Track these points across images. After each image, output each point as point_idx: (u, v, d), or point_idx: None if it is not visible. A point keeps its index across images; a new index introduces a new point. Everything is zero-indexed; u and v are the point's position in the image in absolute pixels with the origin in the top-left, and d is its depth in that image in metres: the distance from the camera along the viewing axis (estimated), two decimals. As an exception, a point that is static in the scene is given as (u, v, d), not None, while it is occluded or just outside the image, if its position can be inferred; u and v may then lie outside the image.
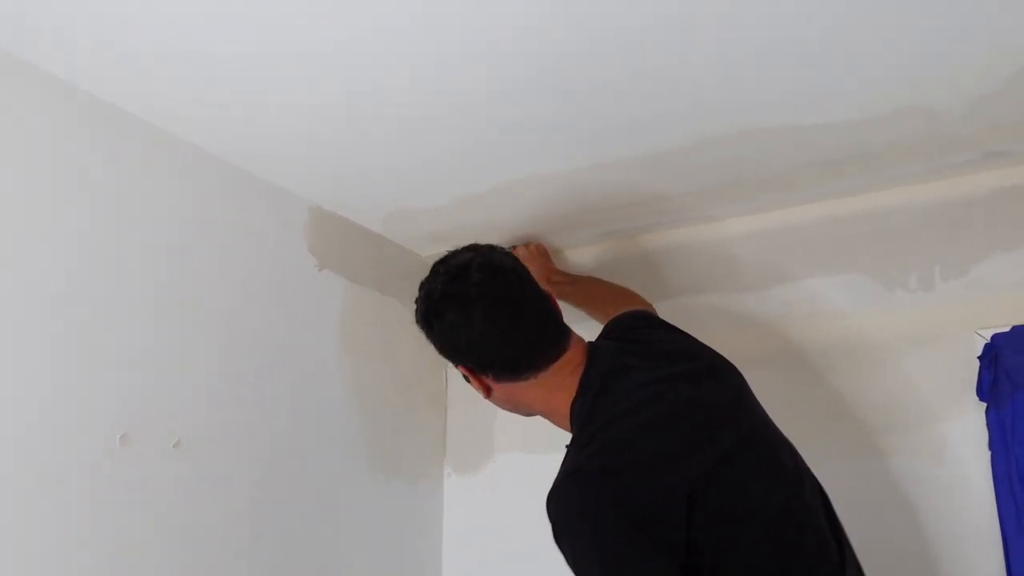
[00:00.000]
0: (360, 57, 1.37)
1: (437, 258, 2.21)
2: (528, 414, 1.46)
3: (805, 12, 1.26)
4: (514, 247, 2.09)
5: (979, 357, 1.69)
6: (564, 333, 1.40)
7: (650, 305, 1.78)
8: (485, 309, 1.33)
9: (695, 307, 2.02)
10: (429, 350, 2.21)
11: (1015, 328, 1.68)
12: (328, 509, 1.86)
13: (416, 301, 1.43)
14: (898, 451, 1.75)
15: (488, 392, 1.42)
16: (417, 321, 1.43)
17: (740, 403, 1.34)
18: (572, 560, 1.18)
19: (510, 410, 1.47)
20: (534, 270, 1.88)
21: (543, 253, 2.10)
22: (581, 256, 2.21)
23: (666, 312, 1.77)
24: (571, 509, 1.20)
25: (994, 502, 1.64)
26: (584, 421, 1.31)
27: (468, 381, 1.44)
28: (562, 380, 1.36)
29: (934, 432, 1.73)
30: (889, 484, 1.73)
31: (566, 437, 2.06)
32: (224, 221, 1.71)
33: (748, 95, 1.49)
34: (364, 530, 1.95)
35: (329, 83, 1.44)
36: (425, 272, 2.22)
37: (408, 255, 2.23)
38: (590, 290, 1.94)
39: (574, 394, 1.34)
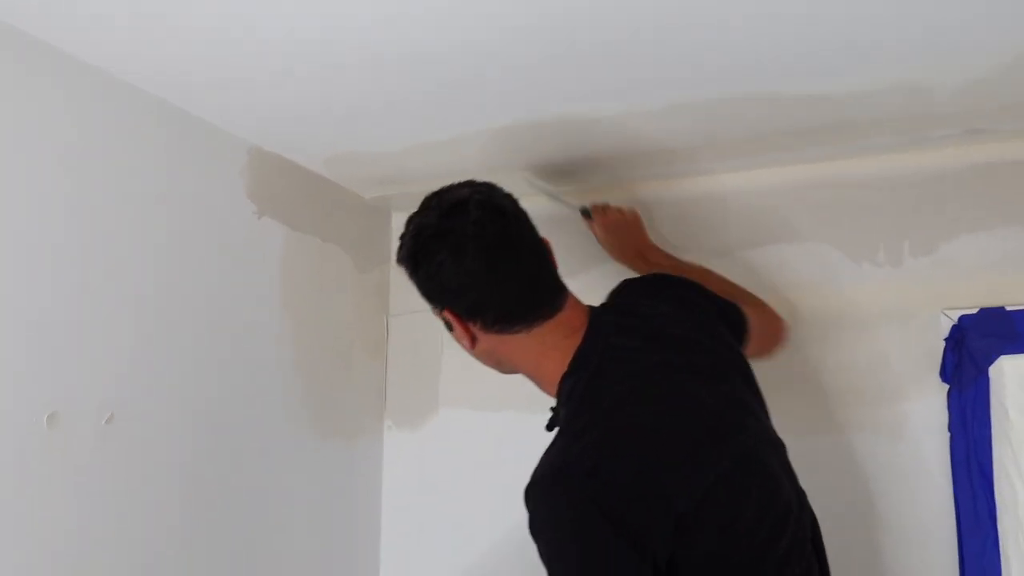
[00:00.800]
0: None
1: (381, 199, 2.13)
2: (510, 371, 1.37)
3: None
4: (605, 206, 1.85)
5: (945, 339, 1.69)
6: (561, 289, 1.32)
7: (774, 316, 1.63)
8: (481, 251, 1.24)
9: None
10: (369, 298, 2.16)
11: (982, 311, 1.68)
12: (265, 472, 1.77)
13: (401, 238, 1.33)
14: (858, 426, 1.76)
15: (473, 343, 1.32)
16: (400, 260, 1.33)
17: (743, 410, 1.27)
18: (547, 559, 1.13)
19: (492, 366, 1.38)
20: (626, 240, 1.79)
21: (638, 221, 1.85)
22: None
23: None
24: (555, 507, 1.14)
25: (951, 484, 1.66)
26: (577, 404, 1.23)
27: (450, 330, 1.33)
28: (555, 342, 1.28)
29: (895, 410, 1.74)
30: (847, 459, 1.74)
31: (522, 396, 2.04)
32: (154, 166, 1.55)
33: (742, 60, 1.41)
34: (301, 491, 1.88)
35: (270, 4, 1.27)
36: (367, 215, 2.14)
37: (350, 196, 2.10)
38: (700, 279, 1.60)
39: (566, 367, 1.26)
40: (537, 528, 1.14)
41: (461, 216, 1.25)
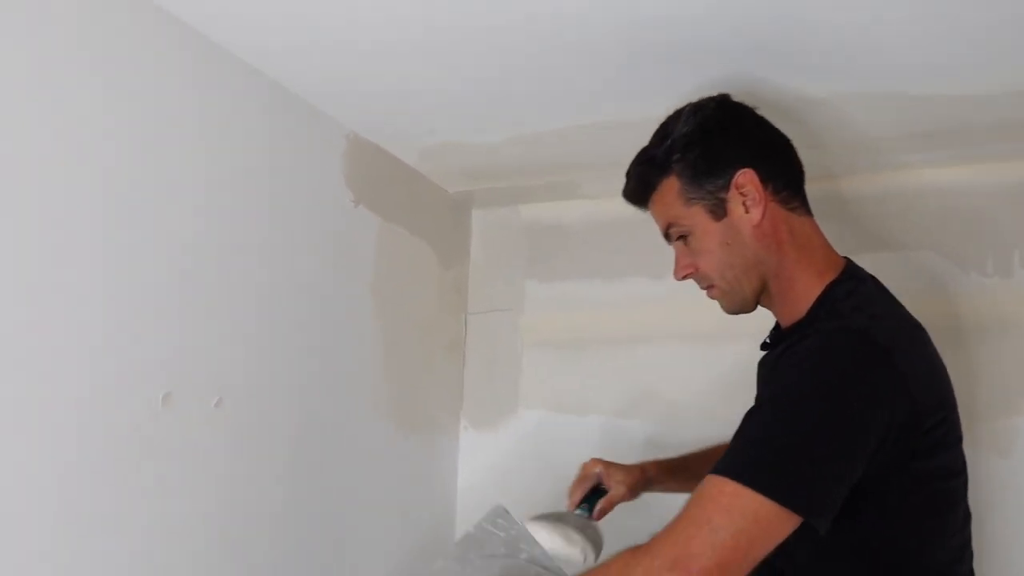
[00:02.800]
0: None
1: (464, 195, 2.15)
2: (752, 288, 1.29)
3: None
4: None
5: (1059, 351, 1.69)
6: None
7: None
8: (766, 121, 1.34)
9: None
10: (448, 295, 2.17)
11: (1099, 323, 1.67)
12: (352, 461, 1.79)
13: (663, 134, 1.34)
14: (966, 441, 1.75)
15: (763, 212, 1.26)
16: (667, 148, 1.31)
17: None
18: (785, 395, 1.12)
19: (748, 265, 1.28)
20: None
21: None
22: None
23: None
24: (842, 353, 1.11)
25: (1063, 502, 1.66)
26: (866, 299, 1.22)
27: (720, 209, 1.28)
28: (820, 243, 1.29)
29: (1006, 424, 1.74)
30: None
31: (609, 399, 2.04)
32: (260, 146, 1.57)
33: (859, 60, 1.43)
34: (383, 484, 1.89)
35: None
36: (450, 211, 2.16)
37: (436, 191, 2.12)
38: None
39: (836, 273, 1.25)
40: (798, 358, 1.13)
41: (736, 103, 1.35)
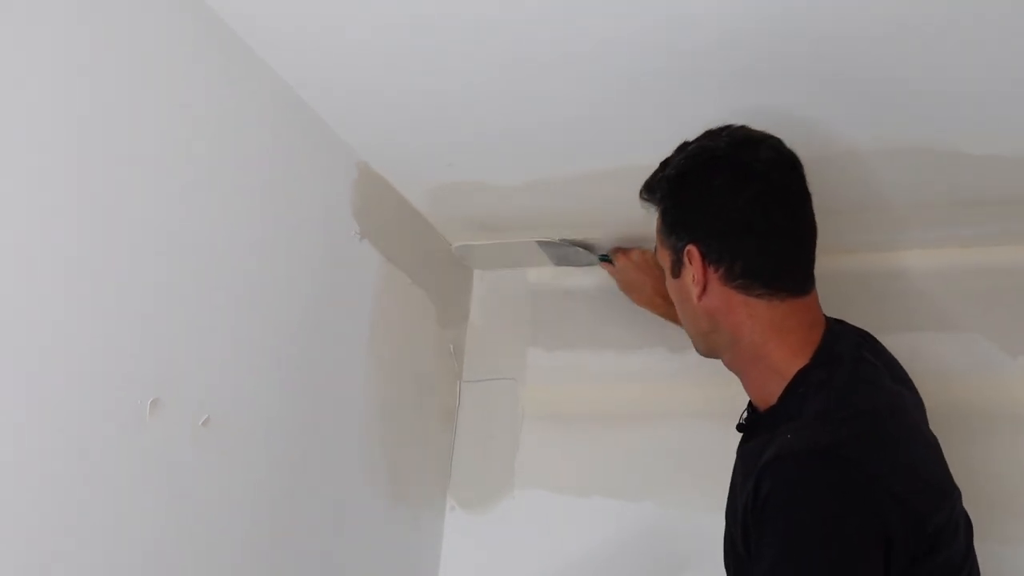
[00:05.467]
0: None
1: (467, 248, 2.09)
2: (709, 349, 1.30)
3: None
4: (627, 248, 1.89)
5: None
6: (812, 274, 1.27)
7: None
8: (763, 192, 1.21)
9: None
10: (444, 358, 2.08)
11: None
12: (334, 517, 1.67)
13: (667, 161, 1.31)
14: (1015, 538, 1.68)
15: (702, 293, 1.23)
16: (659, 180, 1.29)
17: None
18: (781, 544, 1.06)
19: (698, 331, 1.29)
20: (646, 281, 1.80)
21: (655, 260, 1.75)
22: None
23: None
24: (817, 488, 1.06)
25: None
26: (837, 395, 1.16)
27: (677, 268, 1.27)
28: (795, 327, 1.21)
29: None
30: (1003, 572, 1.65)
31: (616, 479, 1.94)
32: (278, 158, 1.51)
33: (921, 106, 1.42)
34: (362, 547, 1.75)
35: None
36: (451, 269, 2.09)
37: (440, 241, 2.05)
38: None
39: (807, 359, 1.20)
40: (782, 503, 1.07)
41: (752, 151, 1.23)
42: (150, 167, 1.24)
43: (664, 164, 1.32)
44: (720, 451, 1.87)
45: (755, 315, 1.22)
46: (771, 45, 1.28)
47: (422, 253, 1.98)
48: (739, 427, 1.34)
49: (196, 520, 1.32)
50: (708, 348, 1.31)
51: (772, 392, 1.21)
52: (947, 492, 1.16)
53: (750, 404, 1.33)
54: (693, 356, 1.93)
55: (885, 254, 1.89)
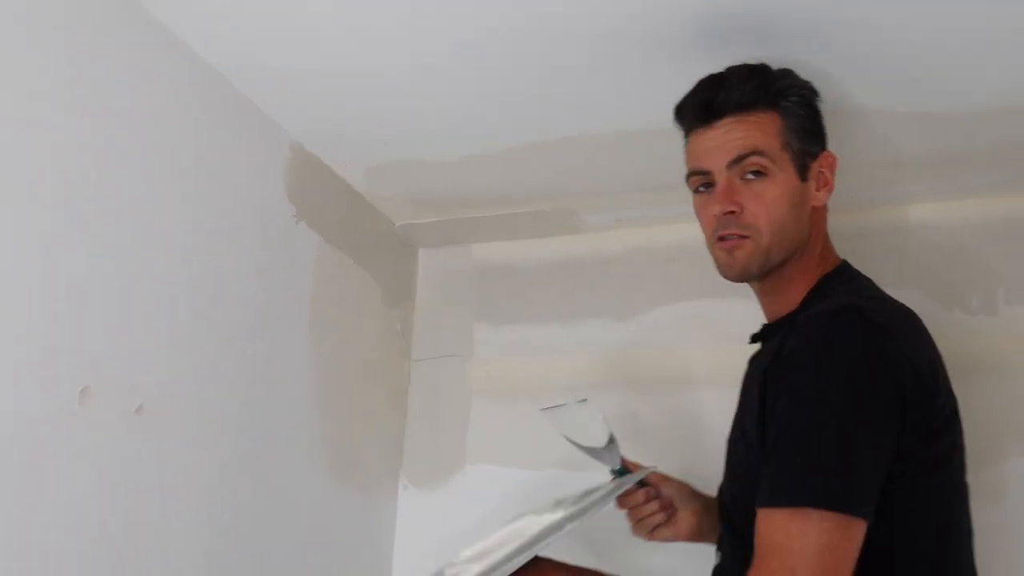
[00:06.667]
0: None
1: (411, 228, 2.12)
2: (780, 257, 1.29)
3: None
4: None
5: (1049, 390, 1.71)
6: None
7: None
8: None
9: (718, 310, 1.95)
10: (392, 339, 2.11)
11: (1089, 361, 1.70)
12: (280, 502, 1.71)
13: (767, 70, 1.33)
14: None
15: (828, 195, 1.35)
16: (791, 86, 1.32)
17: None
18: (801, 390, 1.11)
19: (797, 235, 1.30)
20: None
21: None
22: (607, 241, 2.11)
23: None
24: (842, 336, 1.13)
25: (1061, 551, 1.64)
26: (861, 284, 1.30)
27: (804, 172, 1.31)
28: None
29: (992, 470, 1.73)
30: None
31: (565, 452, 1.99)
32: (205, 142, 1.55)
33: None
34: (313, 534, 1.80)
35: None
36: (395, 248, 2.12)
37: (382, 221, 2.08)
38: None
39: (831, 269, 1.33)
40: (803, 353, 1.13)
41: None
42: (76, 157, 1.28)
43: (765, 71, 1.33)
44: (666, 415, 1.95)
45: (825, 223, 1.36)
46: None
47: (363, 233, 2.01)
48: (753, 337, 1.37)
49: (133, 507, 1.35)
50: (783, 254, 1.29)
51: (796, 299, 1.30)
52: (950, 388, 1.23)
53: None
54: (637, 325, 2.03)
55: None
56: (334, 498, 1.86)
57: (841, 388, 1.09)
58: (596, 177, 1.87)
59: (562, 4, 1.35)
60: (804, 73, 1.38)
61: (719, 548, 1.34)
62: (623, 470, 1.43)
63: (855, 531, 1.05)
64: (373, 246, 2.04)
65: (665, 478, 1.50)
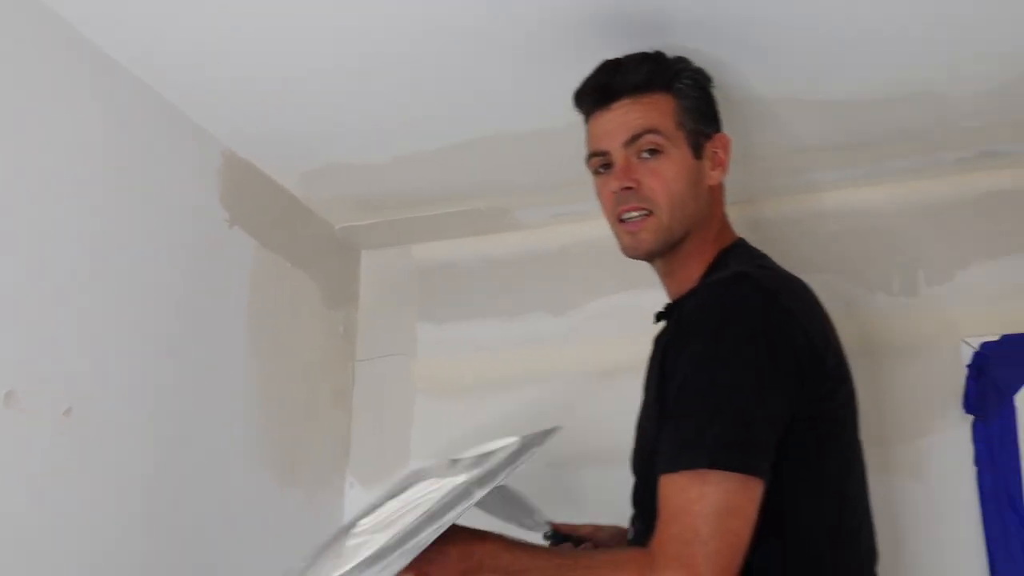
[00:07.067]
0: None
1: (351, 231, 2.17)
2: (681, 231, 1.34)
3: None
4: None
5: (967, 366, 1.76)
6: None
7: None
8: None
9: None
10: (335, 340, 2.15)
11: (1005, 337, 1.76)
12: (220, 505, 1.75)
13: (661, 57, 1.39)
14: (876, 466, 1.76)
15: (723, 173, 1.40)
16: (685, 70, 1.39)
17: None
18: (698, 354, 1.15)
19: (695, 210, 1.35)
20: None
21: None
22: (542, 237, 2.16)
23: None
24: (734, 302, 1.18)
25: (980, 520, 1.70)
26: (753, 257, 1.35)
27: (699, 151, 1.36)
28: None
29: (915, 446, 1.79)
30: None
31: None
32: (134, 151, 1.59)
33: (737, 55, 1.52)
34: (255, 535, 1.84)
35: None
36: (337, 250, 2.17)
37: (321, 224, 2.13)
38: None
39: (728, 244, 1.38)
40: (702, 317, 1.18)
41: None
42: (6, 168, 1.32)
43: (658, 57, 1.39)
44: (606, 403, 1.99)
45: (722, 203, 1.42)
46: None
47: (302, 237, 2.05)
48: (658, 316, 1.41)
49: (64, 510, 1.38)
50: (683, 229, 1.34)
51: (696, 276, 1.35)
52: (842, 353, 1.28)
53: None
54: (573, 319, 2.08)
55: (744, 205, 2.00)
56: (278, 497, 1.90)
57: (734, 351, 1.14)
58: (527, 174, 1.92)
59: (475, 7, 1.41)
60: (707, 65, 1.44)
61: (632, 524, 1.38)
62: (555, 533, 1.50)
63: (753, 490, 1.09)
64: (313, 249, 2.09)
65: (598, 528, 1.54)
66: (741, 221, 1.95)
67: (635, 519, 1.36)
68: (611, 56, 1.41)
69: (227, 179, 1.80)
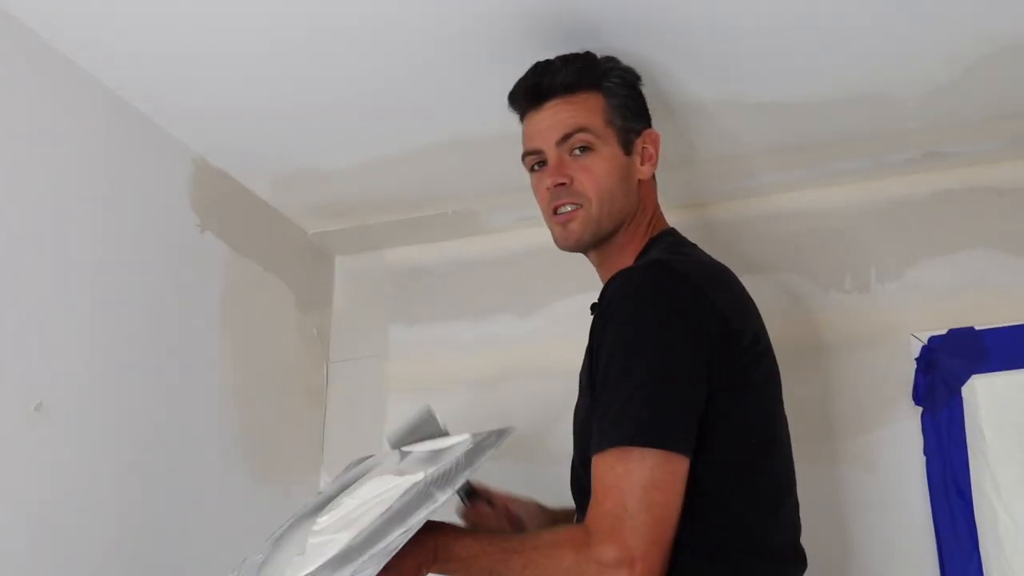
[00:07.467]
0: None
1: (323, 236, 2.24)
2: (611, 225, 1.41)
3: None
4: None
5: (916, 359, 1.83)
6: None
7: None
8: None
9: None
10: (309, 342, 2.22)
11: (952, 331, 1.82)
12: (194, 500, 1.81)
13: (588, 57, 1.47)
14: (828, 458, 1.85)
15: (653, 167, 1.47)
16: (613, 69, 1.46)
17: None
18: (617, 338, 1.21)
19: (624, 205, 1.42)
20: None
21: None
22: (509, 240, 2.22)
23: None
24: (648, 287, 1.25)
25: (929, 510, 1.76)
26: (675, 245, 1.41)
27: (628, 147, 1.43)
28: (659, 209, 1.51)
29: (867, 438, 1.85)
30: (820, 494, 1.81)
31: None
32: (104, 157, 1.66)
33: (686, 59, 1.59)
34: (231, 531, 1.87)
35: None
36: (310, 256, 2.24)
37: (294, 230, 2.20)
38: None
39: (658, 232, 1.45)
40: (619, 302, 1.24)
41: None
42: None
43: (587, 57, 1.46)
44: (567, 403, 2.05)
45: (654, 195, 1.49)
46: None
47: (274, 242, 2.12)
48: (592, 307, 1.44)
49: (35, 504, 1.44)
50: (611, 226, 1.41)
51: (627, 263, 1.40)
52: (761, 332, 1.34)
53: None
54: (539, 320, 2.14)
55: (707, 207, 2.06)
56: (253, 494, 1.96)
57: (649, 333, 1.20)
58: (493, 178, 1.98)
59: (434, 10, 1.48)
60: (645, 68, 1.52)
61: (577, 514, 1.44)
62: (469, 488, 1.56)
63: (677, 466, 1.14)
64: (286, 254, 2.15)
65: (511, 498, 1.60)
66: (693, 224, 2.04)
67: (577, 508, 1.42)
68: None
69: (199, 186, 1.87)
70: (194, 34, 1.54)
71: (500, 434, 1.40)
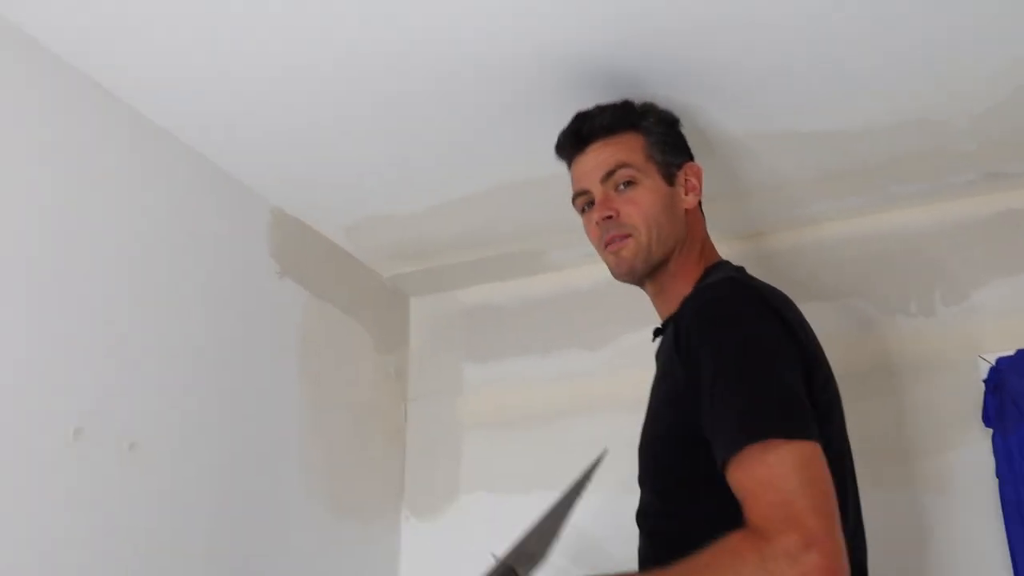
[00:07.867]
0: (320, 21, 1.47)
1: (399, 279, 2.34)
2: (660, 255, 1.46)
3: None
4: None
5: (984, 381, 1.83)
6: None
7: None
8: None
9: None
10: (387, 382, 2.31)
11: (1020, 351, 1.82)
12: (276, 538, 1.89)
13: (624, 104, 1.54)
14: (900, 482, 1.86)
15: (697, 203, 1.53)
16: (648, 108, 1.54)
17: None
18: (720, 348, 1.23)
19: (671, 233, 1.47)
20: None
21: None
22: (574, 277, 2.28)
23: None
24: (736, 300, 1.30)
25: (1003, 531, 1.75)
26: (736, 272, 1.45)
27: (671, 179, 1.50)
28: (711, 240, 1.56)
29: (938, 461, 1.85)
30: (892, 516, 1.82)
31: (551, 475, 2.15)
32: (188, 212, 1.77)
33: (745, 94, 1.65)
34: (314, 567, 1.97)
35: (289, 56, 1.55)
36: (386, 298, 2.33)
37: (370, 274, 2.30)
38: None
39: (713, 262, 1.50)
40: (710, 315, 1.28)
41: None
42: (76, 228, 1.53)
43: (624, 104, 1.54)
44: (637, 434, 2.09)
45: (703, 225, 1.55)
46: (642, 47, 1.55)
47: (351, 286, 2.22)
48: (655, 333, 1.53)
49: (128, 541, 1.54)
50: (661, 253, 1.47)
51: (685, 292, 1.43)
52: (823, 358, 1.36)
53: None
54: (607, 353, 2.19)
55: (767, 236, 2.10)
56: (335, 531, 2.04)
57: (752, 337, 1.24)
58: (552, 217, 2.04)
59: (490, 58, 1.57)
60: (686, 111, 1.61)
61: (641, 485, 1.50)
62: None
63: (816, 450, 1.15)
64: (362, 297, 2.25)
65: None
66: (750, 254, 2.09)
67: (642, 481, 1.49)
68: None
69: (277, 235, 1.98)
70: (274, 98, 1.66)
71: (594, 464, 1.58)
